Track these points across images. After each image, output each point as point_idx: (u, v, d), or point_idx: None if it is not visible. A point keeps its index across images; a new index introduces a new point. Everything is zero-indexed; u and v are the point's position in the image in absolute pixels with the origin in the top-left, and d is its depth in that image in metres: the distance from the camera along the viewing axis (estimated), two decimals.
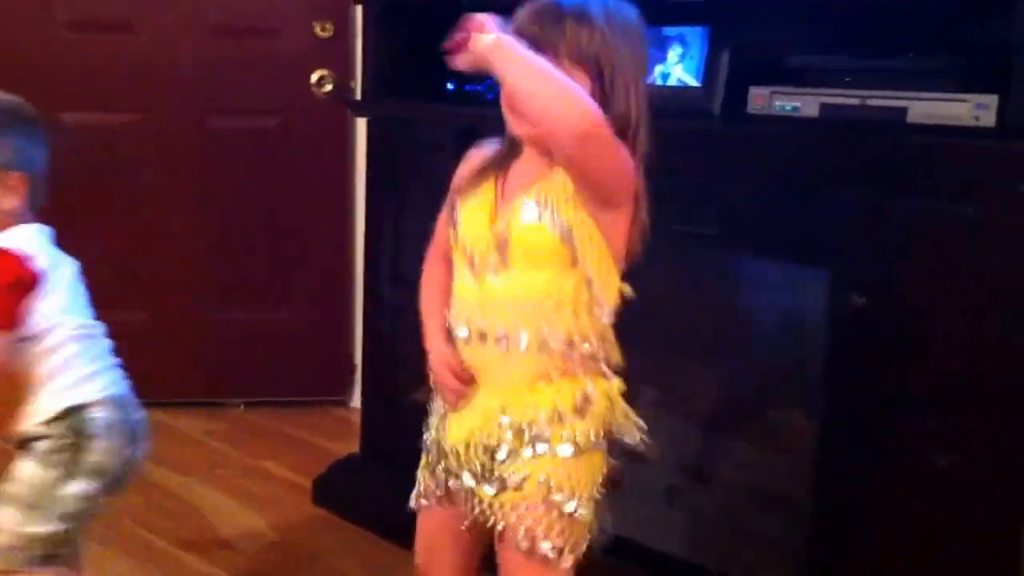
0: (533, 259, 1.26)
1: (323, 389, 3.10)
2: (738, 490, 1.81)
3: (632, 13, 1.28)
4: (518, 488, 1.28)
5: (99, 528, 2.24)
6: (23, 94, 2.82)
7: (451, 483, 1.37)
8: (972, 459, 1.47)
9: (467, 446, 1.34)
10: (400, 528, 2.19)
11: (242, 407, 3.05)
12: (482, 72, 1.21)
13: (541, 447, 1.28)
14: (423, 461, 1.44)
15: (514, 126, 1.27)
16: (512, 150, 1.33)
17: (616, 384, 1.32)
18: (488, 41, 1.17)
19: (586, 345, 1.28)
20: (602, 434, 1.31)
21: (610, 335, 1.31)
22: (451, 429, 1.37)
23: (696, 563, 1.84)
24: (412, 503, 1.45)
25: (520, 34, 1.21)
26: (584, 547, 1.30)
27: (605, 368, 1.31)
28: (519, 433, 1.29)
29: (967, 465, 1.48)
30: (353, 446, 2.51)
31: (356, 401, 2.96)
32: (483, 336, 1.30)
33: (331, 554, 2.19)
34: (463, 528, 1.36)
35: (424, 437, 1.44)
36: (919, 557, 1.54)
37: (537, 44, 1.20)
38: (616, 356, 1.32)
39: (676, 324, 1.77)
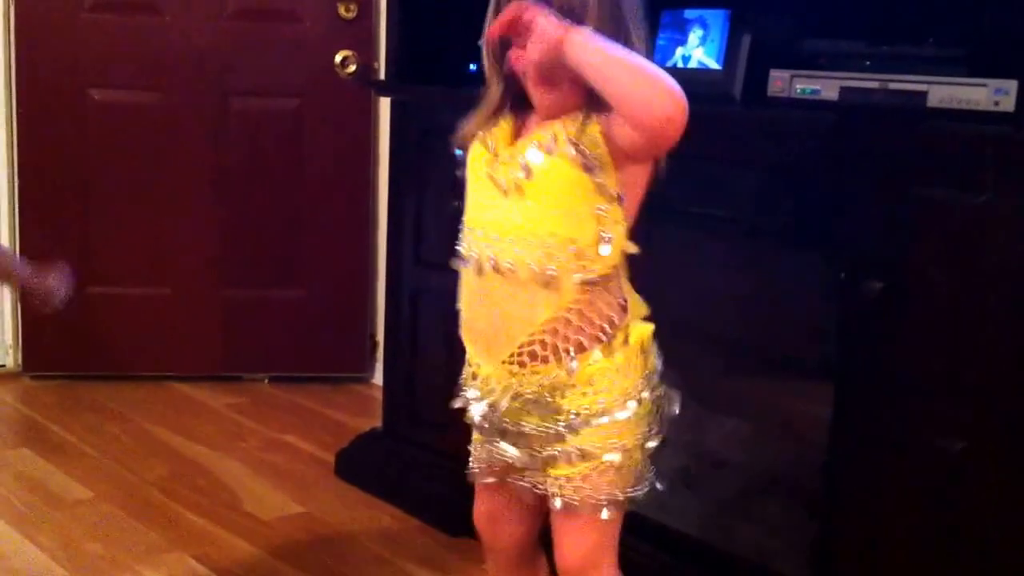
0: (550, 193, 1.27)
1: (345, 365, 3.14)
2: (751, 474, 1.83)
3: None
4: (573, 462, 1.30)
5: (126, 499, 2.30)
6: (49, 72, 2.88)
7: (501, 456, 1.38)
8: (986, 445, 1.47)
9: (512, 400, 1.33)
10: (420, 502, 2.25)
11: (267, 381, 3.10)
12: (547, 63, 1.22)
13: (594, 421, 1.29)
14: (474, 436, 1.44)
15: (518, 65, 1.28)
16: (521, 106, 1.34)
17: (647, 328, 1.33)
18: (559, 33, 1.18)
19: (602, 288, 1.28)
20: (648, 380, 1.32)
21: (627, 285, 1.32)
22: (489, 384, 1.36)
23: (709, 543, 1.86)
24: (470, 475, 1.46)
25: None
26: (637, 491, 1.32)
27: (632, 316, 1.32)
28: (568, 418, 1.30)
29: (981, 451, 1.48)
30: (374, 422, 2.54)
31: (378, 378, 2.99)
32: (496, 268, 1.29)
33: (353, 526, 2.22)
34: (524, 498, 1.39)
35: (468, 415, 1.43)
36: (932, 544, 1.54)
37: None
38: (640, 309, 1.34)
39: (691, 307, 1.79)
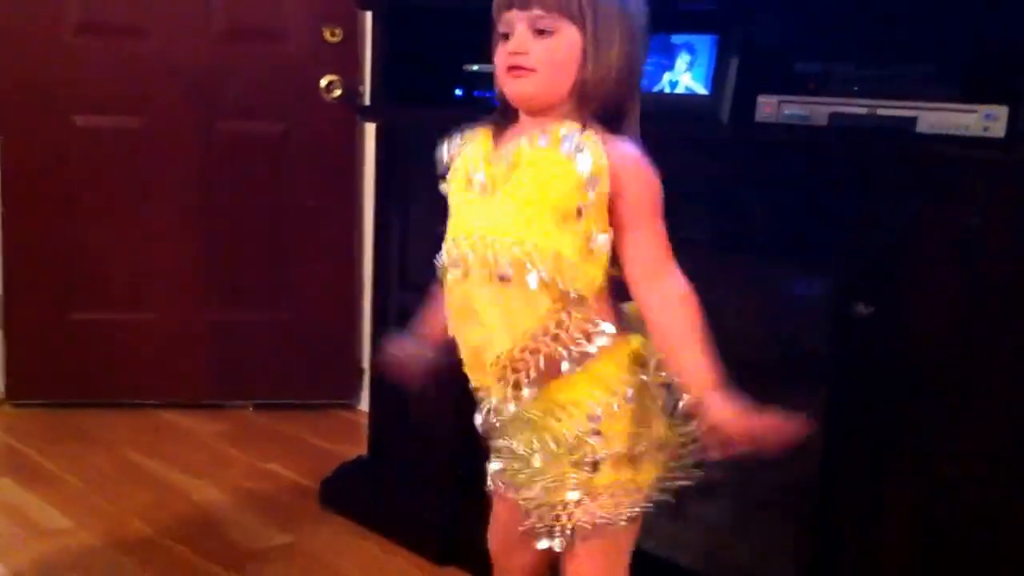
0: (535, 185, 1.23)
1: (330, 392, 3.11)
2: (742, 493, 1.81)
3: None
4: (561, 488, 1.28)
5: (108, 529, 2.27)
6: (33, 96, 2.86)
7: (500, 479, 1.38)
8: (979, 466, 1.47)
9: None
10: (406, 530, 2.22)
11: (251, 408, 3.07)
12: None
13: (580, 451, 1.27)
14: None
15: (513, 95, 1.28)
16: (505, 119, 1.33)
17: (635, 339, 1.29)
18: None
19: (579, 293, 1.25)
20: (635, 388, 1.28)
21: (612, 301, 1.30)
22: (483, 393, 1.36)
23: (697, 569, 1.85)
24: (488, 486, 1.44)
25: (515, 3, 1.25)
26: (636, 511, 1.30)
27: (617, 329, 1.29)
28: (555, 443, 1.29)
29: (974, 473, 1.47)
30: (360, 449, 2.52)
31: (363, 404, 2.97)
32: (473, 268, 1.27)
33: (338, 555, 2.19)
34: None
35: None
36: (925, 565, 1.53)
37: (529, 3, 1.23)
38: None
39: None
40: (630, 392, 1.28)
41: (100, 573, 2.08)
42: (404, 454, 2.32)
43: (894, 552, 1.56)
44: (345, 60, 2.87)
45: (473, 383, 1.37)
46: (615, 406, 1.27)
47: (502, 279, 1.24)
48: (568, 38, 1.23)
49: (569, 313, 1.25)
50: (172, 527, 2.29)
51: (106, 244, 2.97)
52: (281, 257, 3.02)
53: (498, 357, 1.28)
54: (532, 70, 1.24)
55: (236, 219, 2.99)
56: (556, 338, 1.25)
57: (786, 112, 1.68)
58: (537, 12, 1.23)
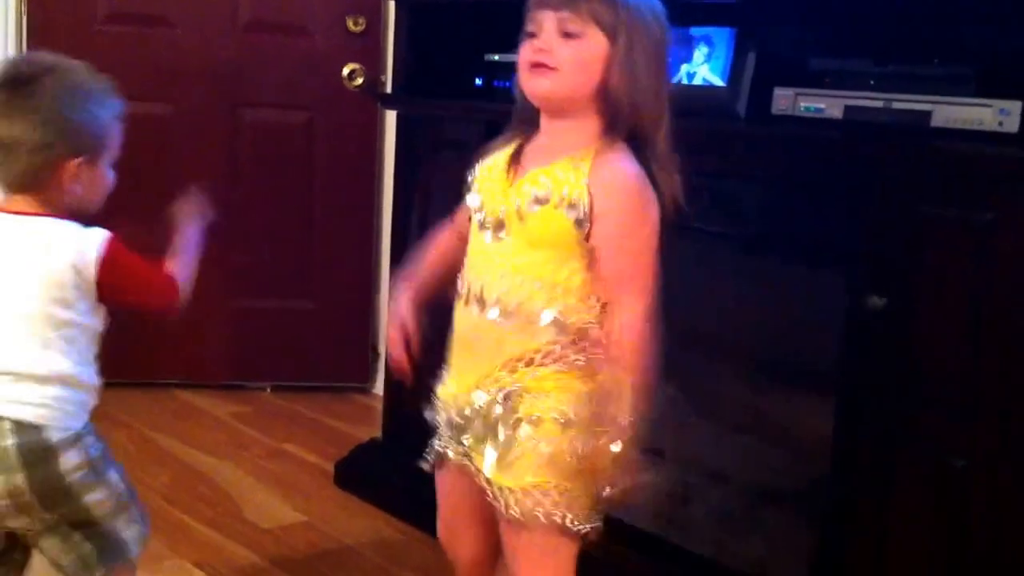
0: (538, 239, 1.28)
1: (346, 375, 3.15)
2: (752, 488, 1.84)
3: (657, 5, 1.31)
4: (517, 466, 1.29)
5: None
6: None
7: (455, 455, 1.40)
8: (989, 462, 1.48)
9: (460, 401, 1.37)
10: (418, 511, 2.24)
11: (268, 390, 3.11)
12: None
13: (535, 425, 1.29)
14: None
15: (532, 92, 1.30)
16: (529, 128, 1.35)
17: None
18: None
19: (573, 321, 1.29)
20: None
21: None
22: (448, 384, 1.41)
23: (708, 557, 1.87)
24: (425, 465, 1.48)
25: (546, 4, 1.27)
26: (584, 527, 1.31)
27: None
28: (512, 410, 1.30)
29: (983, 467, 1.48)
30: (374, 431, 2.56)
31: (378, 388, 3.00)
32: (481, 301, 1.31)
33: (352, 535, 2.23)
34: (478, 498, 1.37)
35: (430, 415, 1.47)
36: (933, 560, 1.54)
37: (560, 4, 1.25)
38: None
39: (696, 322, 1.80)
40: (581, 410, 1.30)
41: None
42: (417, 437, 2.34)
43: (902, 545, 1.57)
44: (368, 49, 2.91)
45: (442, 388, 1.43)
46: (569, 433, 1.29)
47: (508, 316, 1.29)
48: (594, 43, 1.25)
49: (569, 342, 1.29)
50: (192, 505, 2.33)
51: (131, 228, 2.99)
52: (301, 244, 3.06)
53: (490, 373, 1.32)
54: (554, 69, 1.26)
55: (258, 206, 3.03)
56: (561, 352, 1.30)
57: (802, 105, 1.70)
58: (567, 14, 1.25)
